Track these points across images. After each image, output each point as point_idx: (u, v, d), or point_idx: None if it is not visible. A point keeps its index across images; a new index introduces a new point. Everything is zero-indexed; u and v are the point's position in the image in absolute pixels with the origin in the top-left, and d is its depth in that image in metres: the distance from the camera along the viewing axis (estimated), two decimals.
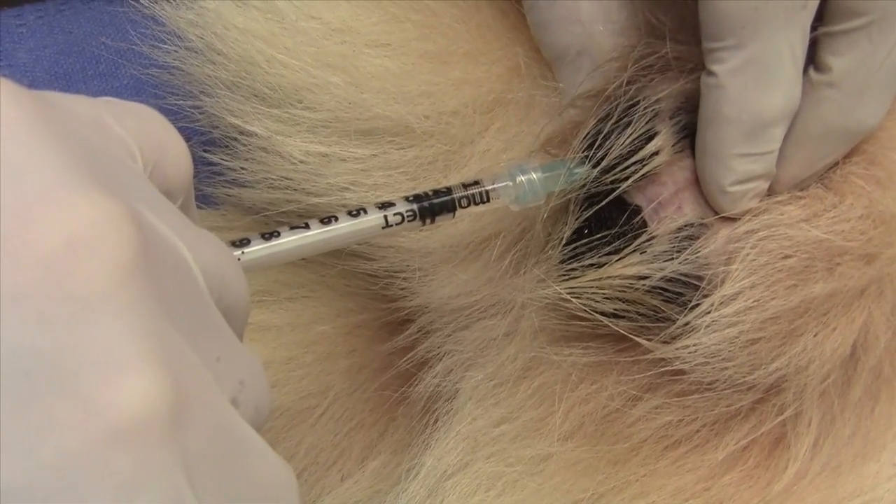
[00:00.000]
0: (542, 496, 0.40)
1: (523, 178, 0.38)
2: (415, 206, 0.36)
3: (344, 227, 0.35)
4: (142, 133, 0.29)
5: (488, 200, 0.38)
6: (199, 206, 0.49)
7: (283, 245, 0.34)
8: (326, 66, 0.40)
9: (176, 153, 0.30)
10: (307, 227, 0.34)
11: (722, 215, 0.38)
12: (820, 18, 0.36)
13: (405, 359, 0.45)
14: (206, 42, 0.41)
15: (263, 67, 0.40)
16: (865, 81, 0.36)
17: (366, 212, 0.36)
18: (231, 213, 0.47)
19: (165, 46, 0.43)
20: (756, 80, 0.35)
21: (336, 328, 0.47)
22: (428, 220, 0.37)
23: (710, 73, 0.36)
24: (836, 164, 0.39)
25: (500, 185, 0.38)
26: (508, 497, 0.40)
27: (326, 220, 0.35)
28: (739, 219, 0.37)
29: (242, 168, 0.42)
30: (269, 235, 0.34)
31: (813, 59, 0.37)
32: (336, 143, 0.41)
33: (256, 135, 0.41)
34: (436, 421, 0.43)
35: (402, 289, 0.44)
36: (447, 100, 0.40)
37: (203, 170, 0.45)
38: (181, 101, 0.44)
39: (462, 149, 0.41)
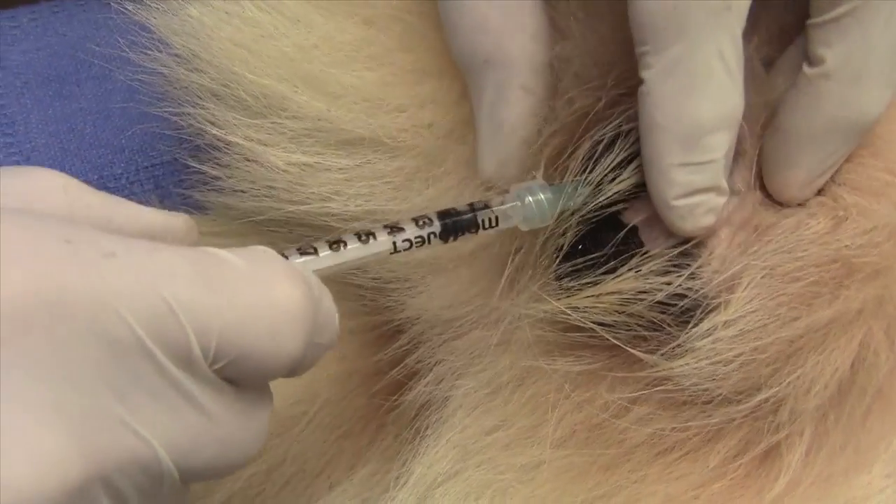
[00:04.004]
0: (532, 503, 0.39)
1: (531, 199, 0.37)
2: (424, 232, 0.36)
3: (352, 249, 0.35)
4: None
5: (497, 224, 0.37)
6: (189, 212, 0.49)
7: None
8: (308, 77, 0.40)
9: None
10: (315, 252, 0.34)
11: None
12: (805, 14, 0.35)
13: (396, 368, 0.44)
14: (191, 50, 0.41)
15: (246, 77, 0.40)
16: (862, 68, 0.35)
17: (374, 236, 0.35)
18: (221, 220, 0.47)
19: (154, 53, 0.43)
20: (683, 86, 0.34)
21: None
22: (451, 239, 0.37)
23: (641, 80, 0.35)
24: (858, 168, 0.38)
25: (508, 205, 0.37)
26: None
27: (335, 246, 0.34)
28: (736, 236, 0.37)
29: (228, 177, 0.42)
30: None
31: (805, 54, 0.36)
32: (318, 153, 0.40)
33: (239, 145, 0.41)
34: (426, 429, 0.43)
35: (393, 300, 0.43)
36: (426, 112, 0.40)
37: (192, 177, 0.45)
38: (171, 108, 0.44)
39: (443, 161, 0.41)
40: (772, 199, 0.38)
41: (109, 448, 0.26)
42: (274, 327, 0.29)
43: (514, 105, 0.38)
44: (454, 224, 0.36)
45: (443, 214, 0.36)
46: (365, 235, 0.35)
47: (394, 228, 0.35)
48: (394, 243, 0.35)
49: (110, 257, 0.26)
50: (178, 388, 0.27)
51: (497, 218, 0.37)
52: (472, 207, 0.37)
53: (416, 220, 0.36)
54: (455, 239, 0.37)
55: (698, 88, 0.34)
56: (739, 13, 0.34)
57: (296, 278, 0.30)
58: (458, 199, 0.40)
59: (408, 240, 0.36)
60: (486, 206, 0.37)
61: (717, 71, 0.34)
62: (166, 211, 0.33)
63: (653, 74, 0.34)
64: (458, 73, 0.40)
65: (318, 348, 0.31)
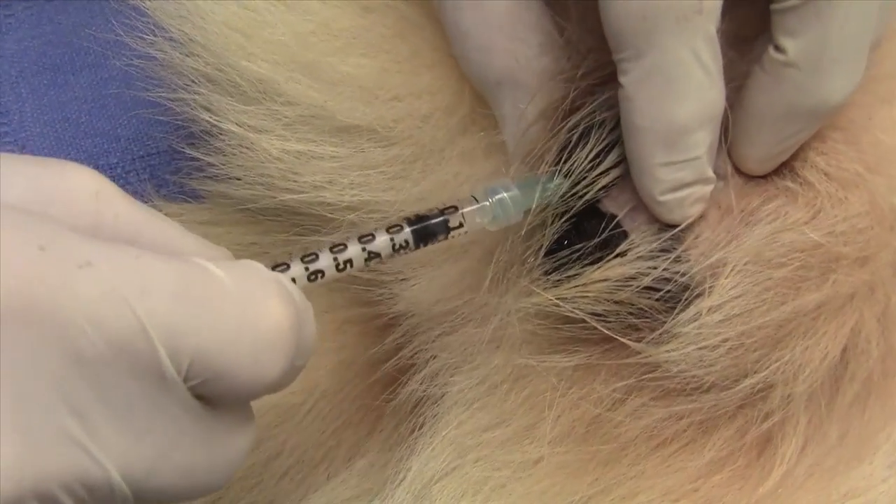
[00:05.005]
0: (530, 500, 0.39)
1: (496, 199, 0.37)
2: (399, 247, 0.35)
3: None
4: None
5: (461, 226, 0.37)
6: (184, 201, 0.49)
7: None
8: (304, 64, 0.39)
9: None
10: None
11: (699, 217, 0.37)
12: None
13: (392, 360, 0.44)
14: (186, 34, 0.41)
15: (241, 62, 0.40)
16: (822, 58, 0.35)
17: (351, 264, 0.34)
18: (217, 208, 0.47)
19: (150, 38, 0.43)
20: (661, 89, 0.34)
21: (325, 324, 0.47)
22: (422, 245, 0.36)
23: (620, 85, 0.35)
24: (830, 155, 0.37)
25: (474, 206, 0.37)
26: (496, 501, 0.39)
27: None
28: (722, 220, 0.37)
29: (222, 164, 0.42)
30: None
31: (770, 38, 0.36)
32: (312, 141, 0.40)
33: (232, 132, 0.40)
34: (422, 425, 0.42)
35: (387, 291, 0.43)
36: (422, 103, 0.40)
37: (186, 164, 0.45)
38: (167, 94, 0.43)
39: (440, 152, 0.40)
40: (754, 180, 0.38)
41: (55, 466, 0.25)
42: (256, 350, 0.28)
43: (531, 117, 0.38)
44: (425, 231, 0.36)
45: (412, 220, 0.36)
46: (343, 264, 0.34)
47: (371, 254, 0.35)
48: (366, 260, 0.35)
49: (85, 267, 0.25)
50: (140, 411, 0.26)
51: (462, 222, 0.36)
52: (441, 212, 0.36)
53: (391, 239, 0.35)
54: (426, 245, 0.36)
55: (676, 91, 0.34)
56: (711, 13, 0.34)
57: (284, 298, 0.29)
58: (454, 192, 0.40)
59: (378, 255, 0.35)
60: (456, 209, 0.36)
61: (694, 71, 0.34)
62: (205, 241, 0.31)
63: (631, 80, 0.34)
64: (455, 64, 0.40)
65: (296, 370, 0.30)
